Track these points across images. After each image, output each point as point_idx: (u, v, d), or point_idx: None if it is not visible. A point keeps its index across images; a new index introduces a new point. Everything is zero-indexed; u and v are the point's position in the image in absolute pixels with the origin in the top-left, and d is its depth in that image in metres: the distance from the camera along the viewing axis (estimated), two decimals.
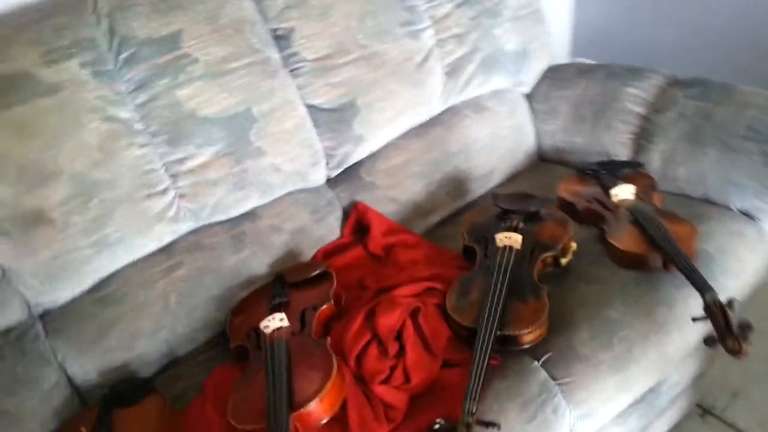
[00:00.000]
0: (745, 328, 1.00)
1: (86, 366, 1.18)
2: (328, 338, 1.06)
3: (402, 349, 1.06)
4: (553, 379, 1.06)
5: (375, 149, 1.54)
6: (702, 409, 1.64)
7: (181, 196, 1.27)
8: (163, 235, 1.26)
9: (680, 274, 1.10)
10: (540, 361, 1.08)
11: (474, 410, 0.92)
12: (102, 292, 1.21)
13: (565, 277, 1.23)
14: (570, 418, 1.06)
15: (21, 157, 1.09)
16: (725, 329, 1.00)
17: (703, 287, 1.06)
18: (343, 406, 0.98)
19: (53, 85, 1.12)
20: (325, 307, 1.15)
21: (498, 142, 1.69)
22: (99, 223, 1.16)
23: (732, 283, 1.25)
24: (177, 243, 1.29)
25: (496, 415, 0.99)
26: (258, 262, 1.33)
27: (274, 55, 1.36)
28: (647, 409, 1.29)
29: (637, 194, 1.37)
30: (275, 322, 1.10)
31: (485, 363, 0.98)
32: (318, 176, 1.47)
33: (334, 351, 1.07)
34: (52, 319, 1.19)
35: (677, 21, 2.24)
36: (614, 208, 1.35)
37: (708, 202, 1.43)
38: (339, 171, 1.52)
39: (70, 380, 1.18)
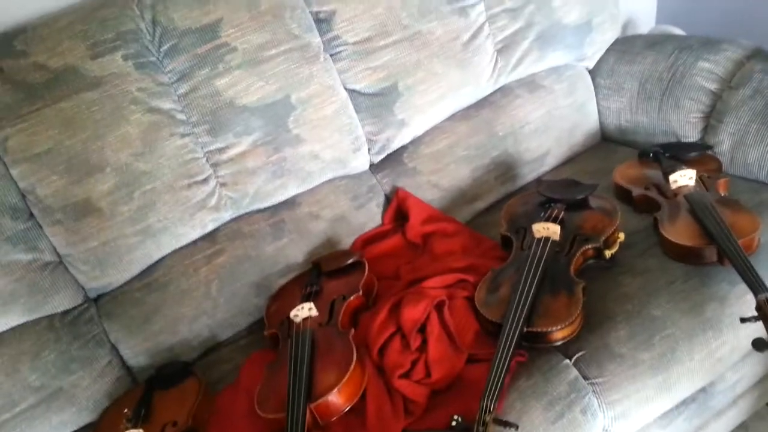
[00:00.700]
0: None
1: (136, 348, 1.25)
2: (352, 330, 1.07)
3: (425, 343, 1.05)
4: (585, 378, 1.02)
5: (418, 134, 1.51)
6: None
7: (222, 184, 1.31)
8: (206, 223, 1.30)
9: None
10: (572, 359, 1.04)
11: (492, 408, 0.90)
12: (148, 278, 1.27)
13: (610, 269, 1.16)
14: (604, 419, 1.02)
15: (69, 150, 1.15)
16: None
17: (755, 285, 0.97)
18: (363, 398, 0.99)
19: (97, 79, 1.17)
20: (353, 297, 1.16)
21: (553, 123, 1.61)
22: (143, 212, 1.22)
23: None
24: (219, 231, 1.33)
25: (519, 414, 0.96)
26: (296, 250, 1.35)
27: (315, 39, 1.35)
28: (699, 410, 1.21)
29: (699, 180, 1.27)
30: (304, 311, 1.12)
31: (508, 360, 0.95)
32: (359, 162, 1.46)
33: (360, 342, 1.08)
34: (104, 303, 1.27)
35: None
36: (672, 195, 1.26)
37: None
38: (382, 157, 1.51)
39: (122, 361, 1.26)
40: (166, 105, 1.24)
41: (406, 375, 1.01)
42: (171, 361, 1.24)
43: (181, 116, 1.25)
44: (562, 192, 1.30)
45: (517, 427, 0.89)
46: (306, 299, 1.18)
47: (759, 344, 0.93)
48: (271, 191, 1.35)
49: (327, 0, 1.36)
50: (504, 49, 1.57)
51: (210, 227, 1.32)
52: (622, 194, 1.36)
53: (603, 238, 1.15)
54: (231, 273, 1.29)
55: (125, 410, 1.09)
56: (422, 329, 1.07)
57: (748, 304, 0.96)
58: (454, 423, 0.90)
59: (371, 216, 1.45)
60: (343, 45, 1.39)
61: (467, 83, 1.52)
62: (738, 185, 1.33)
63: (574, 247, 1.14)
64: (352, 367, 0.96)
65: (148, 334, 1.25)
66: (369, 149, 1.48)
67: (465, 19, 1.49)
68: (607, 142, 1.72)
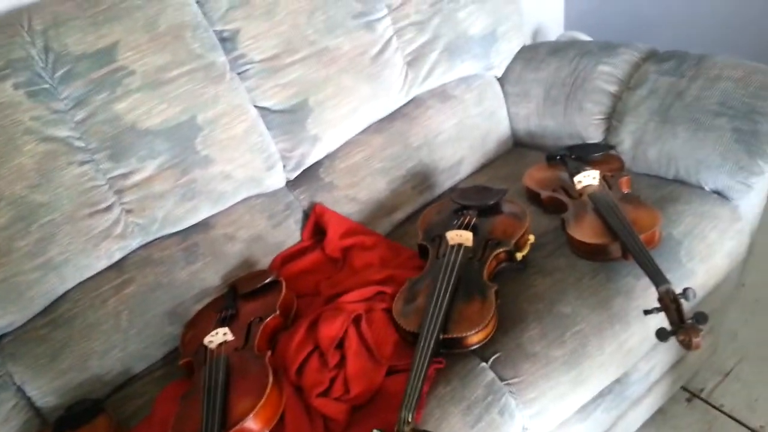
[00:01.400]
0: (700, 319, 0.96)
1: (43, 388, 1.18)
2: (269, 352, 1.04)
3: (344, 359, 1.04)
4: (501, 379, 1.04)
5: (332, 149, 1.51)
6: (689, 393, 1.59)
7: (128, 211, 1.26)
8: (112, 252, 1.25)
9: None
10: (488, 362, 1.05)
11: (410, 419, 0.89)
12: (53, 313, 1.21)
13: (522, 271, 1.19)
14: (522, 418, 1.04)
15: None
16: (677, 322, 0.95)
17: (655, 278, 1.01)
18: (282, 421, 0.96)
19: None
20: (270, 318, 1.13)
21: (466, 132, 1.65)
22: (42, 245, 1.16)
23: (700, 267, 1.20)
24: (127, 259, 1.28)
25: (439, 421, 0.96)
26: (211, 273, 1.32)
27: (220, 58, 1.33)
28: (616, 400, 1.25)
29: (602, 179, 1.32)
30: (219, 336, 1.09)
31: (425, 369, 0.95)
32: (275, 180, 1.45)
33: (278, 363, 1.06)
34: (7, 344, 1.19)
35: None
36: (578, 195, 1.30)
37: (680, 182, 1.37)
38: (297, 173, 1.49)
39: (29, 403, 1.19)
40: (63, 133, 1.18)
41: (325, 393, 1.00)
42: (81, 399, 1.17)
43: (79, 143, 1.20)
44: (473, 199, 1.32)
45: None
46: (221, 324, 1.15)
47: (662, 334, 0.97)
48: (182, 215, 1.31)
49: (231, 19, 1.34)
50: (413, 61, 1.59)
51: (117, 256, 1.27)
52: (532, 197, 1.41)
53: (513, 241, 1.18)
54: (142, 302, 1.24)
55: None
56: (340, 345, 1.06)
57: (652, 296, 1.01)
58: None
59: (289, 233, 1.43)
60: (249, 63, 1.37)
61: (378, 96, 1.53)
62: (640, 182, 1.39)
63: (486, 252, 1.16)
64: (268, 390, 0.94)
65: (57, 373, 1.18)
66: (284, 166, 1.46)
67: (372, 33, 1.51)
68: (518, 147, 1.78)
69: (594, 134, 1.56)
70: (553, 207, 1.33)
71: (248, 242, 1.36)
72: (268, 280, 1.24)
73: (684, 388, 1.59)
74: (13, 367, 1.18)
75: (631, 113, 1.46)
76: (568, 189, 1.34)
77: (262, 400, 0.93)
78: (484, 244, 1.18)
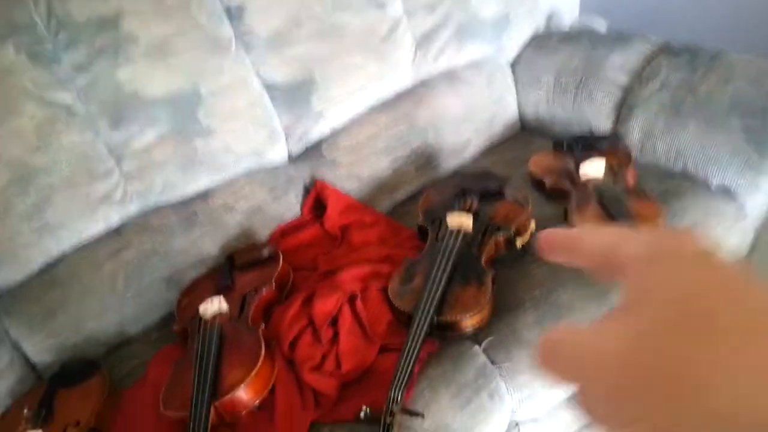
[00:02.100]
0: None
1: (39, 345, 1.19)
2: (263, 324, 1.04)
3: (337, 336, 1.04)
4: (493, 363, 1.03)
5: (336, 126, 1.49)
6: None
7: (127, 178, 1.26)
8: (110, 217, 1.25)
9: None
10: (481, 346, 1.05)
11: (399, 398, 0.90)
12: (49, 274, 1.21)
13: (522, 258, 1.18)
14: (512, 401, 1.04)
15: None
16: None
17: None
18: (273, 393, 0.97)
19: None
20: (265, 291, 1.13)
21: (473, 115, 1.63)
22: (39, 208, 1.16)
23: None
24: (126, 225, 1.28)
25: (428, 401, 0.96)
26: (209, 242, 1.31)
27: (225, 31, 1.31)
28: None
29: (608, 170, 1.31)
30: (214, 306, 1.09)
31: (417, 350, 0.95)
32: (277, 154, 1.43)
33: (272, 336, 1.06)
34: (4, 301, 1.20)
35: None
36: (582, 185, 1.29)
37: (687, 177, 1.36)
38: (300, 148, 1.48)
39: (25, 359, 1.19)
40: (63, 98, 1.18)
41: (317, 368, 1.00)
42: (76, 357, 1.18)
43: (80, 109, 1.19)
44: (476, 183, 1.31)
45: (423, 416, 0.90)
46: (217, 293, 1.14)
47: None
48: (181, 183, 1.31)
49: None
50: (423, 42, 1.57)
51: (115, 222, 1.27)
52: (537, 183, 1.39)
53: (514, 227, 1.17)
54: (139, 267, 1.24)
55: (26, 410, 1.04)
56: (334, 322, 1.05)
57: None
58: (362, 415, 0.90)
59: (289, 207, 1.42)
60: (255, 37, 1.35)
61: (386, 75, 1.51)
62: (646, 174, 1.37)
63: (486, 237, 1.16)
64: (260, 362, 0.94)
65: (51, 331, 1.19)
66: (287, 141, 1.45)
67: (382, 12, 1.48)
68: (526, 132, 1.76)
69: (603, 124, 1.54)
70: (556, 195, 1.32)
71: (247, 213, 1.36)
72: (265, 253, 1.23)
73: None
74: (9, 324, 1.18)
75: (642, 105, 1.44)
76: (573, 177, 1.33)
77: (254, 372, 0.93)
78: (484, 229, 1.17)
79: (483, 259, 1.11)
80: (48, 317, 1.18)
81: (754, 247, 1.39)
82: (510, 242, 1.18)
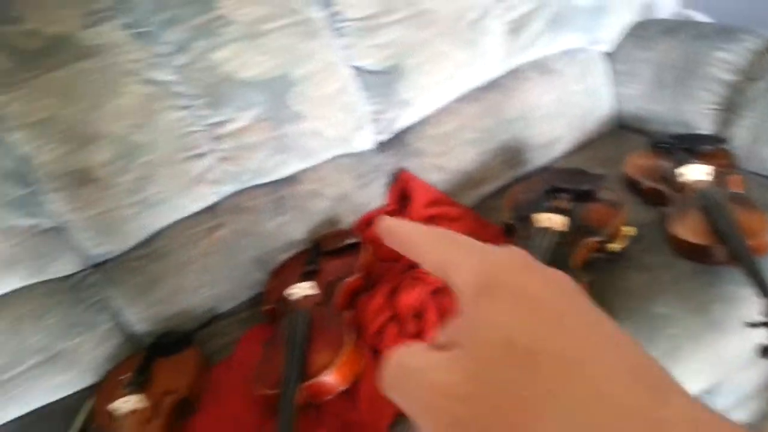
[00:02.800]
0: None
1: (137, 315, 1.25)
2: (346, 312, 1.05)
3: (421, 333, 1.03)
4: None
5: (424, 114, 1.47)
6: None
7: (223, 158, 1.29)
8: (206, 196, 1.29)
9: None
10: None
11: None
12: (148, 248, 1.26)
13: (618, 264, 1.14)
14: None
15: (67, 119, 1.14)
16: None
17: (764, 289, 0.94)
18: (358, 381, 0.98)
19: (92, 48, 1.14)
20: (351, 279, 1.14)
21: (565, 108, 1.57)
22: (141, 183, 1.21)
23: None
24: (220, 204, 1.31)
25: None
26: (296, 227, 1.33)
27: (317, 14, 1.31)
28: None
29: (712, 175, 1.23)
30: (302, 290, 1.11)
31: None
32: (363, 142, 1.43)
33: (356, 324, 1.07)
34: (106, 270, 1.26)
35: None
36: (682, 189, 1.22)
37: None
38: (386, 136, 1.47)
39: (123, 327, 1.26)
40: (164, 77, 1.21)
41: None
42: (172, 329, 1.24)
43: (179, 88, 1.22)
44: (568, 181, 1.27)
45: None
46: (306, 278, 1.16)
47: (763, 351, 0.91)
48: (272, 167, 1.33)
49: None
50: (514, 29, 1.52)
51: (211, 200, 1.30)
52: (631, 185, 1.33)
53: (606, 231, 1.13)
54: (231, 246, 1.28)
55: (125, 375, 1.09)
56: (418, 315, 1.05)
57: (755, 308, 0.94)
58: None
59: (375, 196, 1.42)
60: (346, 21, 1.34)
61: (474, 64, 1.47)
62: (751, 182, 1.29)
63: (576, 239, 1.12)
64: (347, 349, 0.95)
65: (149, 303, 1.25)
66: (374, 128, 1.44)
67: None
68: (622, 129, 1.68)
69: (704, 124, 1.45)
70: (653, 199, 1.26)
71: (334, 200, 1.37)
72: (351, 241, 1.24)
73: None
74: (111, 292, 1.25)
75: (750, 106, 1.35)
76: (672, 181, 1.26)
77: (343, 357, 0.95)
78: (576, 231, 1.13)
79: (574, 263, 1.07)
80: (147, 289, 1.24)
81: None
82: (603, 246, 1.13)
